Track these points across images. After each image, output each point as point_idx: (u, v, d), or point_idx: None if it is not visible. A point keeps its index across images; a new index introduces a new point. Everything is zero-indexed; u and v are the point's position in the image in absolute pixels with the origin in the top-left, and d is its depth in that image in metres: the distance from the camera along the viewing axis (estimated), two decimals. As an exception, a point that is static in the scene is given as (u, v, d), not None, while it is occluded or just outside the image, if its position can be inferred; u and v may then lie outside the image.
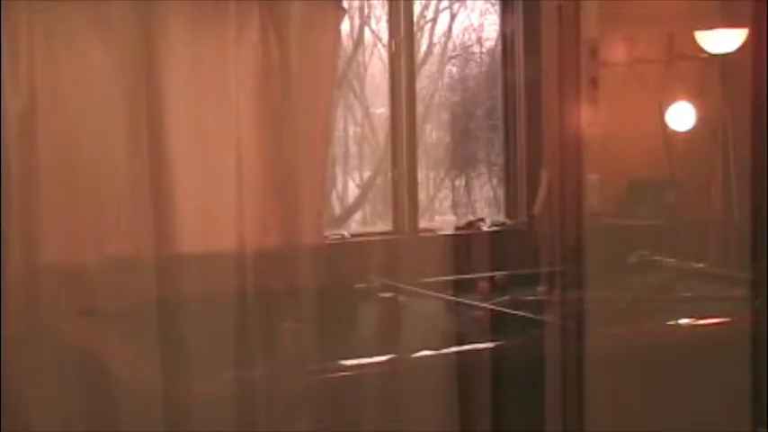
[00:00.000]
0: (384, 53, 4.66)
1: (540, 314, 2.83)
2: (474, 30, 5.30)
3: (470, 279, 3.68)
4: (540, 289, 3.14)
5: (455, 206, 5.40)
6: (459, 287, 3.59)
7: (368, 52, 5.05)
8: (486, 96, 5.16)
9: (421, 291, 3.46)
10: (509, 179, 4.62)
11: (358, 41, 4.92)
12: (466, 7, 5.22)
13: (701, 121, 3.40)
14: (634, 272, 3.24)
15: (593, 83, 2.30)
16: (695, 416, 2.59)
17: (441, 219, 5.17)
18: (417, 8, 4.76)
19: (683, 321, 2.99)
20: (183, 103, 2.58)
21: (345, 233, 4.25)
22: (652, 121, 3.43)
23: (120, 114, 2.46)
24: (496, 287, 3.67)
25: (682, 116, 3.46)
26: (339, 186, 5.20)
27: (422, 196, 4.71)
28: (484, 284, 3.66)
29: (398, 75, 4.24)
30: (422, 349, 2.88)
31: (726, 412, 2.62)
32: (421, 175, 4.66)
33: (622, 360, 2.48)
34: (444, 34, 5.32)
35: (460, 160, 5.42)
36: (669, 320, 2.98)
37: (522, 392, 2.54)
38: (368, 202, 5.26)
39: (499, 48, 4.69)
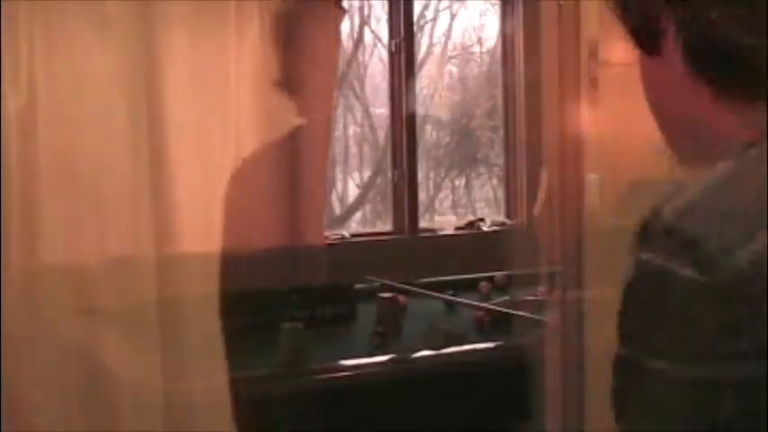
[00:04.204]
0: (384, 53, 4.67)
1: (540, 314, 2.83)
2: (474, 30, 5.31)
3: (470, 279, 3.68)
4: (540, 289, 3.14)
5: (455, 206, 5.41)
6: (460, 287, 3.60)
7: (368, 52, 5.05)
8: (486, 96, 5.17)
9: (421, 291, 3.46)
10: (509, 179, 4.62)
11: (358, 41, 4.92)
12: (466, 7, 5.22)
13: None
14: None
15: (594, 83, 2.30)
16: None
17: (441, 219, 5.17)
18: (417, 8, 4.77)
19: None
20: (183, 103, 2.58)
21: (345, 233, 4.25)
22: (652, 121, 3.43)
23: (120, 114, 2.46)
24: (496, 287, 3.68)
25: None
26: (339, 186, 5.20)
27: (422, 196, 4.72)
28: (484, 284, 3.66)
29: (398, 75, 4.24)
30: (421, 349, 2.88)
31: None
32: (421, 175, 4.67)
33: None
34: (444, 34, 5.33)
35: (460, 160, 5.43)
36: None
37: (522, 392, 2.54)
38: (368, 202, 5.26)
39: (499, 48, 4.70)
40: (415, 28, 4.52)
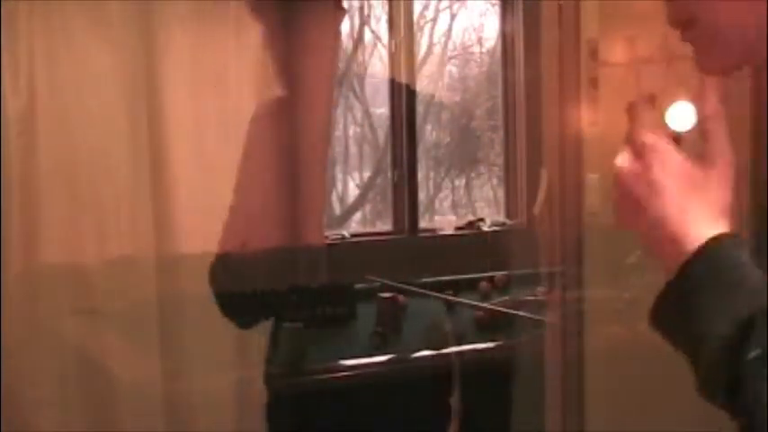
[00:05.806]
0: (384, 53, 4.67)
1: (540, 314, 2.83)
2: (474, 30, 5.30)
3: (470, 279, 3.68)
4: (540, 289, 3.14)
5: (455, 206, 5.41)
6: (460, 287, 3.60)
7: (368, 52, 5.05)
8: (486, 96, 5.17)
9: (421, 291, 3.46)
10: (509, 179, 4.61)
11: (358, 41, 4.92)
12: (466, 7, 5.22)
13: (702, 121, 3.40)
14: (634, 272, 3.23)
15: (593, 83, 2.30)
16: (695, 416, 2.59)
17: (441, 219, 5.17)
18: (417, 8, 4.76)
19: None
20: (183, 103, 2.58)
21: (345, 233, 4.25)
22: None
23: (120, 114, 2.46)
24: (496, 287, 3.67)
25: (682, 116, 3.47)
26: (339, 186, 5.20)
27: (422, 196, 4.72)
28: (484, 284, 3.66)
29: (398, 75, 4.24)
30: (422, 349, 2.88)
31: (726, 412, 2.62)
32: (421, 175, 4.66)
33: (622, 360, 2.48)
34: (444, 34, 5.32)
35: (460, 160, 5.43)
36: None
37: (522, 392, 2.54)
38: (368, 202, 5.26)
39: (499, 48, 4.69)
40: (415, 28, 4.51)
